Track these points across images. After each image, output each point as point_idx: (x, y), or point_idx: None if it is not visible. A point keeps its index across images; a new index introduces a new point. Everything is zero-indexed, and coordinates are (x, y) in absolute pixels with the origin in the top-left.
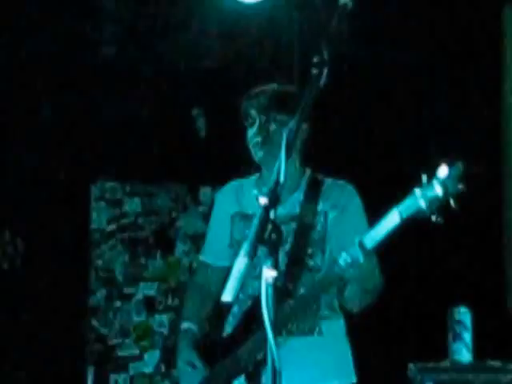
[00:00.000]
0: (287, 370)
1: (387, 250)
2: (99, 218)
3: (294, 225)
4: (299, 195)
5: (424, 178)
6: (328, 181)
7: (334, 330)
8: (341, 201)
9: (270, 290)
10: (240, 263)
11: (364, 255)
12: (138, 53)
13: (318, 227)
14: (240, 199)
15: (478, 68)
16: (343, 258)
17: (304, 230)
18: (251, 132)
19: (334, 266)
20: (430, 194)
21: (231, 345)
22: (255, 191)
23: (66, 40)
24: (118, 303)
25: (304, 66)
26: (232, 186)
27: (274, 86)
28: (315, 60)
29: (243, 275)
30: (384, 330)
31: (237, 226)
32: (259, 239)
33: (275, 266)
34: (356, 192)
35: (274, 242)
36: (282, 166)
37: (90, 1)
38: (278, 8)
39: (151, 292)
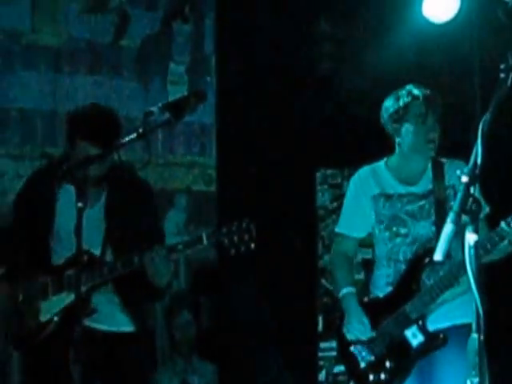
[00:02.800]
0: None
1: None
2: (323, 197)
3: (432, 199)
4: (428, 175)
5: None
6: (447, 161)
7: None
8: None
9: (472, 251)
10: (447, 229)
11: None
12: (349, 66)
13: (451, 199)
14: (378, 182)
15: None
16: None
17: (440, 202)
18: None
19: (497, 230)
20: None
21: (393, 302)
22: (458, 171)
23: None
24: None
25: (483, 73)
26: (366, 171)
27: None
28: (502, 66)
29: (450, 238)
30: None
31: (382, 205)
32: (462, 210)
33: (476, 231)
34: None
35: (474, 212)
36: (479, 151)
37: (310, 25)
38: (463, 26)
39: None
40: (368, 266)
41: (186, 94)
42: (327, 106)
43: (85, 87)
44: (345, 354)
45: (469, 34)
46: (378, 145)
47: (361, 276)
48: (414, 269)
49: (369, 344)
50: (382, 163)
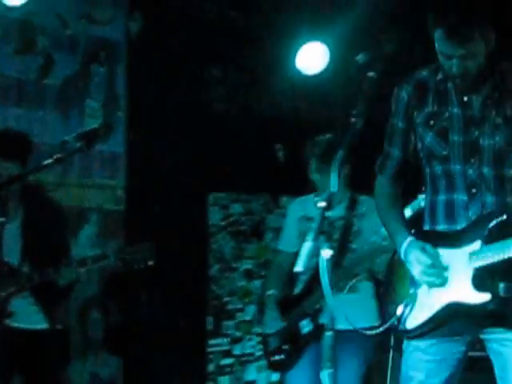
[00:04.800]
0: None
1: None
2: (214, 216)
3: (340, 223)
4: (344, 205)
5: None
6: (361, 197)
7: (367, 289)
8: (369, 209)
9: (327, 264)
10: (307, 246)
11: None
12: (238, 107)
13: (356, 225)
14: (304, 207)
15: None
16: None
17: (348, 226)
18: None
19: (376, 237)
20: None
21: (300, 299)
22: (317, 198)
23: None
24: (227, 273)
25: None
26: (299, 200)
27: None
28: (354, 112)
29: (309, 253)
30: None
31: (304, 225)
32: (320, 230)
33: (330, 248)
34: None
35: (328, 232)
36: (334, 182)
37: (205, 70)
38: (328, 76)
39: (249, 266)
40: None
41: (95, 126)
42: (218, 140)
43: (14, 118)
44: (264, 340)
45: (336, 83)
46: (261, 174)
47: None
48: (317, 274)
49: (277, 332)
50: (312, 195)
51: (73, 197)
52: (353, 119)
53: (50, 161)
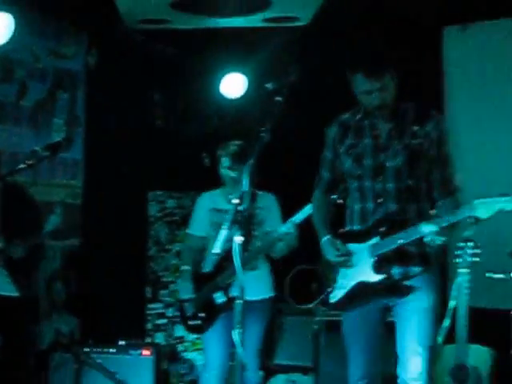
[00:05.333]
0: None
1: None
2: (152, 209)
3: (246, 213)
4: (247, 199)
5: None
6: (259, 192)
7: (265, 267)
8: (267, 203)
9: (239, 247)
10: (223, 232)
11: (294, 227)
12: (176, 122)
13: (258, 216)
14: (214, 201)
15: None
16: (286, 227)
17: (251, 217)
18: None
19: (276, 230)
20: None
21: (212, 276)
22: (231, 196)
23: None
24: (162, 254)
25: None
26: (207, 194)
27: (238, 142)
28: (263, 128)
29: (224, 239)
30: None
31: (214, 215)
32: (233, 220)
33: (242, 235)
34: (275, 197)
35: (241, 222)
36: (246, 183)
37: (148, 95)
38: (245, 99)
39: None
40: None
41: (59, 139)
42: (158, 150)
43: None
44: (180, 308)
45: (251, 106)
46: (190, 176)
47: None
48: (227, 255)
49: (192, 302)
50: (218, 190)
51: (42, 193)
52: (262, 134)
53: (22, 166)
